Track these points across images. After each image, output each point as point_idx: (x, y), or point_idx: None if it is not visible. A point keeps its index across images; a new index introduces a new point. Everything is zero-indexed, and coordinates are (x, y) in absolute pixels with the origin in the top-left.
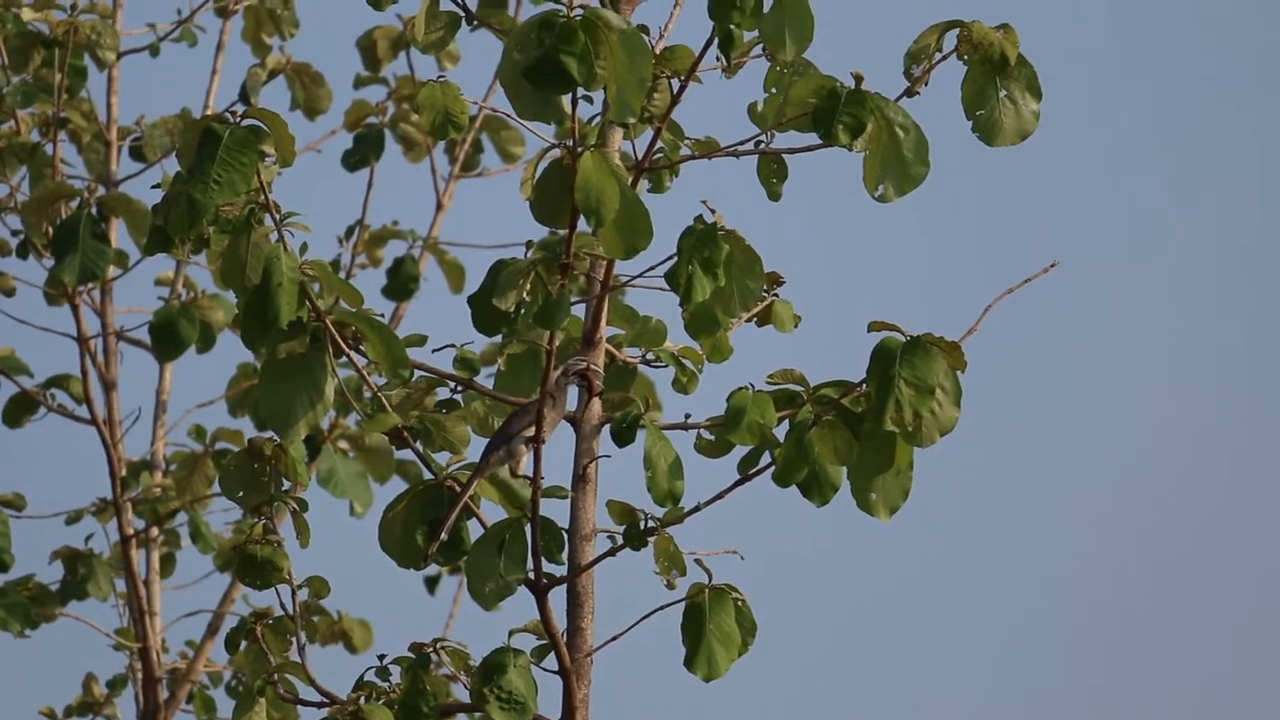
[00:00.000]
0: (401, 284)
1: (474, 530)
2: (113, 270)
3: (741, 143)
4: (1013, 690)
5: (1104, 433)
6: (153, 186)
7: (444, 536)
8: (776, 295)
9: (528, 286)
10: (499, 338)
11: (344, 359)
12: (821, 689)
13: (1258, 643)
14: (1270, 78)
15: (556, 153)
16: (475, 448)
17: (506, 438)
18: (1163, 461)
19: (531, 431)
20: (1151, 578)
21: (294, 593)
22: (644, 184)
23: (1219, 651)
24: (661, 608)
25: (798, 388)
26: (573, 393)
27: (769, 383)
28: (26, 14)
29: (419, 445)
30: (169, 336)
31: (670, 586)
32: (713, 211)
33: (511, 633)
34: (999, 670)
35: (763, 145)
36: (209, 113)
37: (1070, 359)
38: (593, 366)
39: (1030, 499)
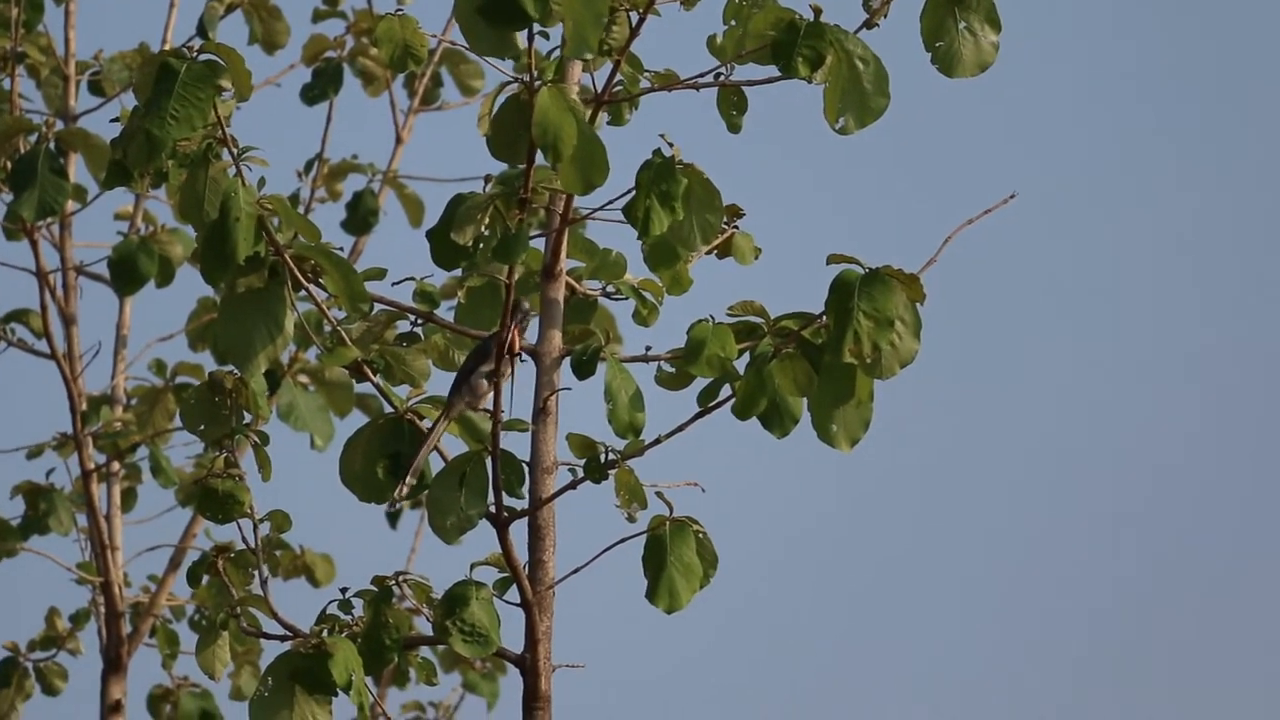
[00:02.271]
0: (361, 218)
1: (435, 464)
2: (71, 205)
3: (701, 75)
4: (976, 620)
5: (1067, 366)
6: (111, 121)
7: (410, 480)
8: (737, 228)
9: (486, 221)
10: (458, 271)
11: (303, 293)
12: (782, 620)
13: (1252, 560)
14: (1234, 4)
15: (514, 88)
16: (435, 381)
17: (466, 376)
18: (1131, 387)
19: (490, 366)
20: (1125, 501)
21: (255, 526)
22: (604, 117)
23: (1206, 578)
24: (622, 540)
25: (758, 320)
26: (533, 324)
27: (729, 315)
28: None
29: (379, 379)
30: (128, 271)
31: (631, 519)
32: (671, 145)
33: (473, 566)
34: (963, 600)
35: (722, 78)
36: (167, 47)
37: (1030, 290)
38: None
39: (993, 429)
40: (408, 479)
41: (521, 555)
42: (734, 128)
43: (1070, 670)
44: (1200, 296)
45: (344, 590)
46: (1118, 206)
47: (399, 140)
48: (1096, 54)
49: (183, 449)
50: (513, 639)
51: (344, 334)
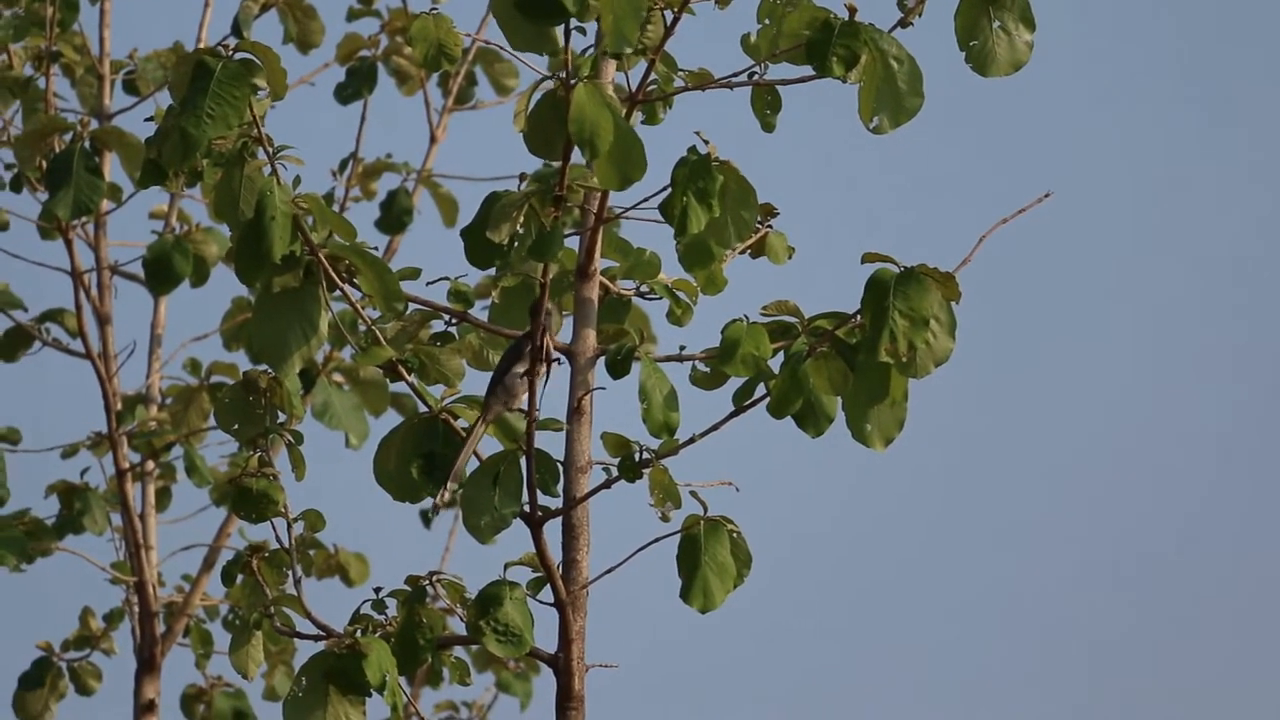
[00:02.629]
0: (395, 217)
1: (469, 464)
2: (106, 204)
3: (735, 74)
4: (1007, 621)
5: (1102, 365)
6: (146, 120)
7: (452, 485)
8: (770, 227)
9: (521, 219)
10: (493, 270)
11: (338, 292)
12: (816, 621)
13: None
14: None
15: (550, 85)
16: (470, 380)
17: (501, 376)
18: (1163, 389)
19: (524, 367)
20: (1149, 500)
21: (289, 526)
22: (637, 116)
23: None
24: (657, 540)
25: (792, 319)
26: (567, 323)
27: (763, 314)
28: None
29: (414, 378)
30: (163, 270)
31: (665, 519)
32: (706, 143)
33: (507, 565)
34: (993, 601)
35: (756, 77)
36: (201, 46)
37: (1065, 289)
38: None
39: (1027, 429)
40: (448, 484)
41: (555, 555)
42: (768, 127)
43: (1098, 673)
44: (1238, 294)
45: (378, 590)
46: (1154, 203)
47: (433, 139)
48: (1134, 50)
49: (217, 448)
50: (546, 639)
51: (379, 333)
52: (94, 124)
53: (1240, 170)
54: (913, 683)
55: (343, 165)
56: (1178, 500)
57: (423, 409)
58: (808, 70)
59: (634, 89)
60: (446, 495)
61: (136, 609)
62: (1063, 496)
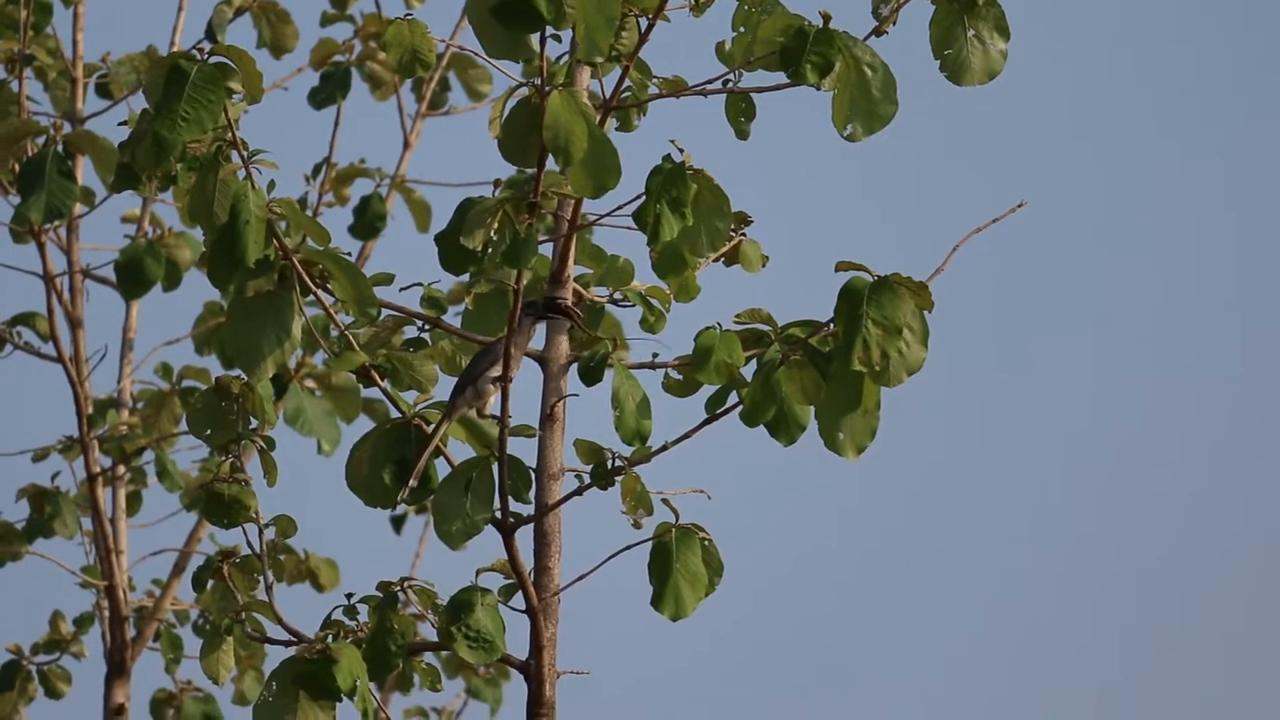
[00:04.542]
0: (368, 222)
1: (441, 469)
2: (79, 208)
3: (709, 82)
4: (979, 627)
5: (1075, 374)
6: (119, 124)
7: (413, 482)
8: (744, 235)
9: (495, 225)
10: (466, 276)
11: (311, 297)
12: (787, 628)
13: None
14: (1240, 12)
15: (525, 91)
16: (443, 386)
17: (473, 378)
18: (1134, 397)
19: (498, 371)
20: (1112, 519)
21: (261, 531)
22: (611, 123)
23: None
24: (628, 547)
25: (765, 327)
26: (540, 330)
27: (736, 322)
28: None
29: (386, 384)
30: (135, 274)
31: (637, 526)
32: (681, 150)
33: (479, 572)
34: (968, 607)
35: (730, 84)
36: (176, 50)
37: (1039, 298)
38: (570, 304)
39: (1000, 438)
40: (410, 481)
41: (527, 561)
42: (742, 134)
43: (1081, 680)
44: (1206, 307)
45: (349, 596)
46: (1127, 212)
47: (406, 145)
48: (1106, 59)
49: (188, 453)
50: (517, 645)
51: (351, 339)
52: (67, 127)
53: (1216, 177)
54: (886, 686)
55: (316, 170)
56: (1166, 510)
57: (395, 415)
58: (782, 78)
59: (608, 96)
60: (406, 492)
61: (107, 613)
62: (1044, 500)
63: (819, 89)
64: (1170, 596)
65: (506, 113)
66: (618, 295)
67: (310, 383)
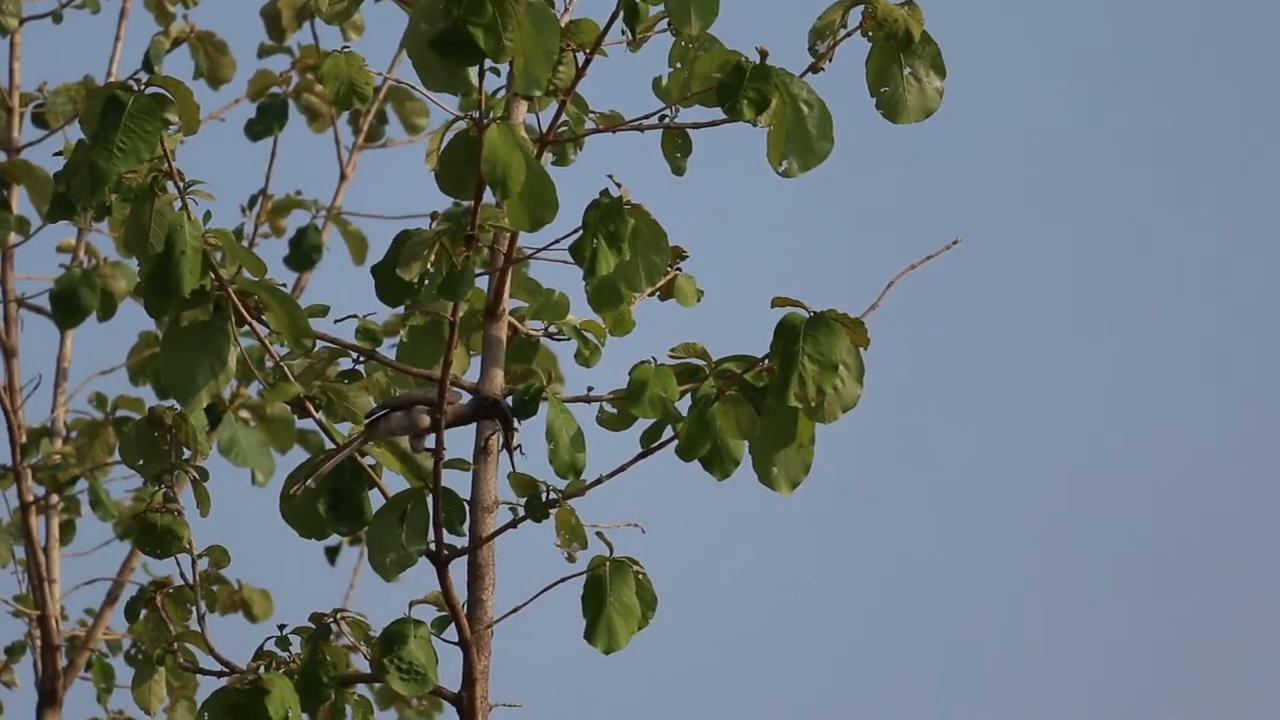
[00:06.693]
0: (304, 254)
1: (375, 501)
2: (14, 237)
3: (646, 117)
4: (912, 657)
5: (1009, 408)
6: (55, 154)
7: (310, 483)
8: (680, 269)
9: (432, 257)
10: (402, 309)
11: (246, 328)
12: (720, 661)
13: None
14: (1171, 44)
15: (462, 124)
16: None
17: (404, 405)
18: (1069, 435)
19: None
20: (1055, 553)
21: (194, 561)
22: (548, 157)
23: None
24: (562, 580)
25: (700, 362)
26: (475, 362)
27: (671, 356)
28: None
29: (321, 415)
30: (70, 304)
31: (571, 559)
32: (618, 185)
33: (412, 604)
34: (903, 641)
35: (667, 120)
36: (112, 80)
37: (975, 334)
38: (501, 400)
39: (933, 475)
40: (308, 482)
41: (461, 594)
42: (678, 170)
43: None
44: (1158, 334)
45: (282, 626)
46: (1066, 249)
47: (343, 177)
48: (1045, 95)
49: (122, 482)
50: (450, 677)
51: (286, 370)
52: (2, 157)
53: (1166, 209)
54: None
55: (252, 201)
56: (1143, 544)
57: (330, 446)
58: (719, 114)
59: (545, 130)
60: (299, 489)
61: (39, 642)
62: (977, 540)
63: (755, 125)
64: (1165, 613)
65: (444, 145)
66: (553, 329)
67: (245, 413)
